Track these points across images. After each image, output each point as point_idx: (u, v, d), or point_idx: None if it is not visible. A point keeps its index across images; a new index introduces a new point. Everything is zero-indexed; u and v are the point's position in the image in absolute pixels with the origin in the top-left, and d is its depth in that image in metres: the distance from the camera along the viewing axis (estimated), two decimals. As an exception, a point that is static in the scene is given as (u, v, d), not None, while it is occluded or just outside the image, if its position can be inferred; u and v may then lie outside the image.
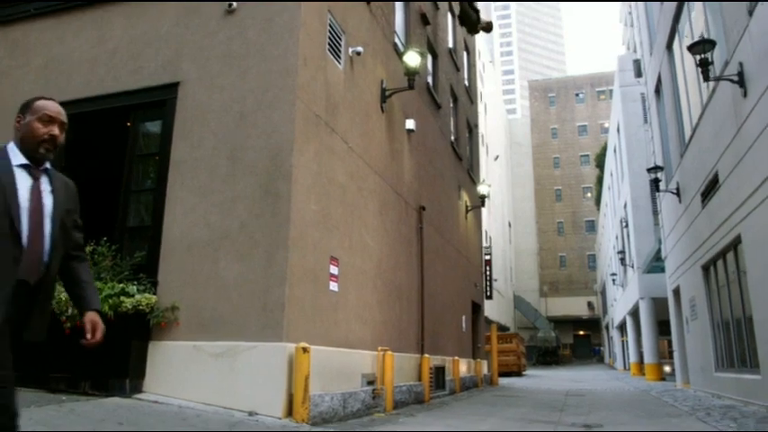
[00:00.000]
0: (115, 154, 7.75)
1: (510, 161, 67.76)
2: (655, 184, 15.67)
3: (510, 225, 60.78)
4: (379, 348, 8.77)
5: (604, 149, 44.94)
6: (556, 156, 72.93)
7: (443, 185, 14.59)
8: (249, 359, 6.19)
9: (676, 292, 16.71)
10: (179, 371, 6.43)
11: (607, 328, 53.25)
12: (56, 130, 2.55)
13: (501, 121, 61.61)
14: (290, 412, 6.02)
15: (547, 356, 53.32)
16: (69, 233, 2.60)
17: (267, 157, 6.79)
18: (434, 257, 12.90)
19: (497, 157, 51.75)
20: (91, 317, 2.56)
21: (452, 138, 16.35)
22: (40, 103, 2.58)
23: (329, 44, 7.98)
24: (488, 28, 17.83)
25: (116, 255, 6.93)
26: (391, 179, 10.30)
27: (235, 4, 7.49)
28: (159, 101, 7.54)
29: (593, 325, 68.29)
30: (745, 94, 8.83)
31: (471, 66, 21.39)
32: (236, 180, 6.84)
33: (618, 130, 29.88)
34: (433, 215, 12.98)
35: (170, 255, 6.87)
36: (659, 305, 23.32)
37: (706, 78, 9.53)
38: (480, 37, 45.57)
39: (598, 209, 53.76)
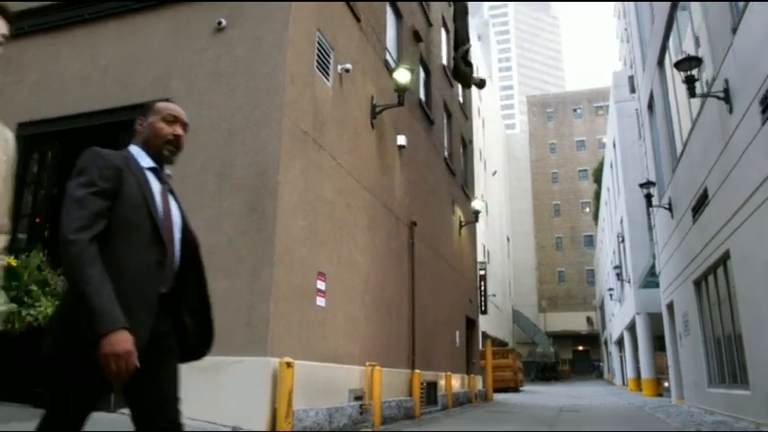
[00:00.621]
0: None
1: (508, 176, 67.94)
2: (647, 199, 15.74)
3: (508, 239, 60.81)
4: (368, 363, 8.78)
5: (602, 164, 45.13)
6: (554, 171, 73.19)
7: (436, 201, 14.65)
8: (234, 374, 6.21)
9: (670, 307, 16.73)
10: (164, 386, 6.44)
11: (606, 343, 53.10)
12: (180, 130, 2.46)
13: (499, 136, 61.85)
14: (273, 427, 6.04)
15: (546, 372, 53.18)
16: None
17: (254, 175, 6.85)
18: (426, 272, 12.93)
19: (495, 172, 51.91)
20: None
21: (446, 153, 16.44)
22: (163, 104, 2.49)
23: (318, 61, 8.07)
24: (481, 85, 18.04)
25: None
26: (381, 195, 10.36)
27: (224, 21, 7.60)
28: (149, 117, 7.60)
29: (592, 340, 68.11)
30: (730, 111, 8.92)
31: (466, 82, 21.52)
32: (224, 197, 6.91)
33: (614, 146, 30.01)
34: (425, 230, 13.03)
35: (157, 270, 6.89)
36: (655, 320, 23.30)
37: (692, 95, 9.65)
38: (478, 53, 45.94)
39: (596, 224, 53.83)
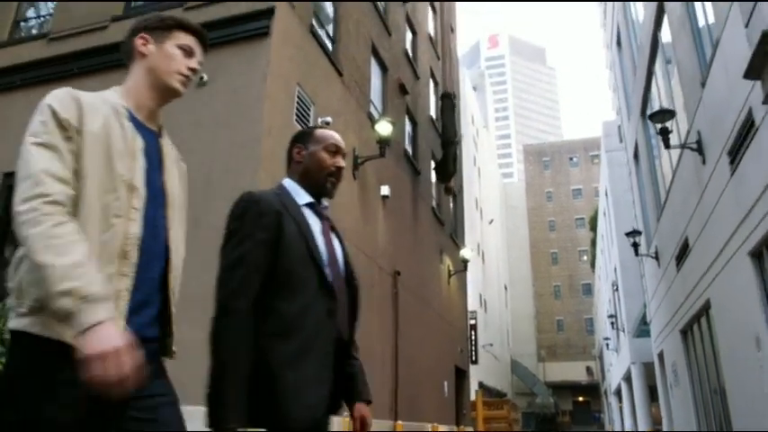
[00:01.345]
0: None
1: (505, 224, 68.12)
2: (634, 248, 15.82)
3: (506, 288, 60.55)
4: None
5: (598, 213, 45.28)
6: (551, 219, 73.39)
7: (422, 250, 14.72)
8: (203, 426, 6.16)
9: (661, 356, 16.62)
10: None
11: (606, 393, 52.31)
12: (342, 162, 2.21)
13: (496, 185, 62.29)
14: (241, 479, 5.97)
15: (545, 424, 52.27)
16: None
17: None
18: (412, 321, 12.90)
19: (492, 221, 52.11)
20: (361, 411, 2.18)
21: (434, 203, 16.60)
22: (324, 132, 2.24)
23: (297, 114, 8.29)
24: (450, 191, 18.76)
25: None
26: (363, 244, 10.45)
27: (206, 77, 7.84)
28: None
29: (592, 391, 66.99)
30: (704, 162, 9.10)
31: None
32: (200, 244, 6.97)
33: (606, 194, 30.23)
34: (410, 280, 13.07)
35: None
36: (650, 370, 23.04)
37: (666, 146, 9.85)
38: (473, 103, 46.70)
39: (594, 272, 53.69)
